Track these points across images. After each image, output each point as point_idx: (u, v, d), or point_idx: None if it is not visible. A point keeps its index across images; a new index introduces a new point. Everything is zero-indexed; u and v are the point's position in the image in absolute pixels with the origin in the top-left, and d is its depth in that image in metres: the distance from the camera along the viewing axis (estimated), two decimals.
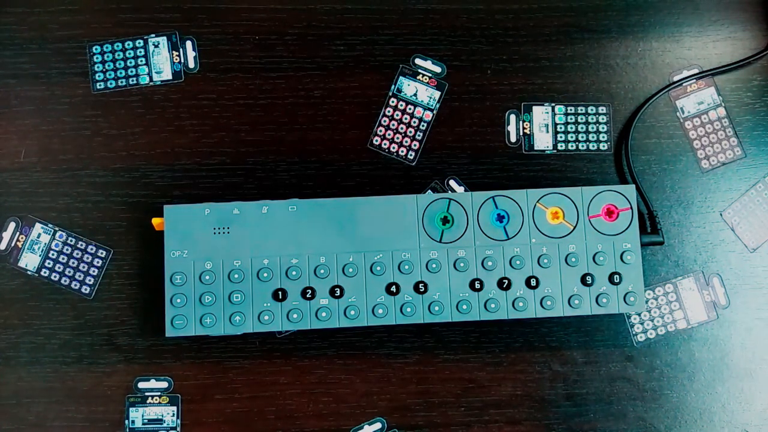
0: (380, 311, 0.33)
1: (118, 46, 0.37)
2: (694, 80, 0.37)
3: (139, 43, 0.37)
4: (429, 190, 0.36)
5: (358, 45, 0.37)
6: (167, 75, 0.37)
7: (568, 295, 0.33)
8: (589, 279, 0.33)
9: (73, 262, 0.35)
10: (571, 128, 0.37)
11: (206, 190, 0.36)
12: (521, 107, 0.37)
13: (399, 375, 0.35)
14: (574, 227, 0.34)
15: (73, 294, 0.35)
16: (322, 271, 0.33)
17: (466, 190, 0.36)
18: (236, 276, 0.33)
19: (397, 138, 0.37)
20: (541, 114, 0.37)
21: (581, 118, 0.37)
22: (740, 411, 0.35)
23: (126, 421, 0.34)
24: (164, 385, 0.34)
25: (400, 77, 0.37)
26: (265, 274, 0.33)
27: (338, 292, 0.33)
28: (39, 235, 0.35)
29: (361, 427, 0.35)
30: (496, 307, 0.33)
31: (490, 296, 0.33)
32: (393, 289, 0.33)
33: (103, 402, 0.34)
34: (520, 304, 0.33)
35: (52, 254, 0.35)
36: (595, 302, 0.33)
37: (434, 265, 0.33)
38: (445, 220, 0.34)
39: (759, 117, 0.37)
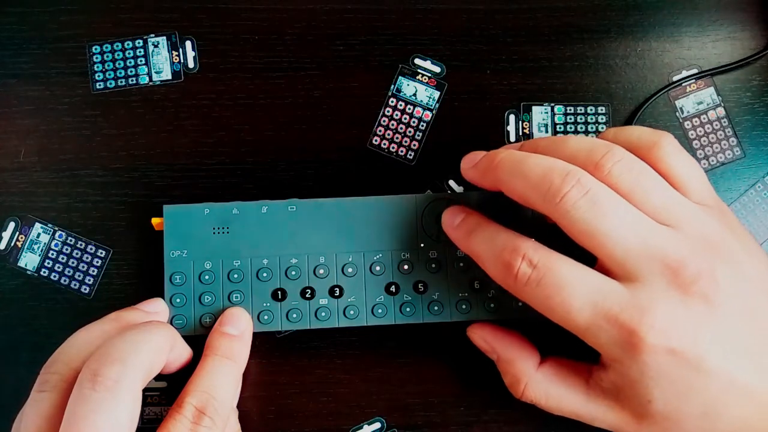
0: (380, 311, 0.33)
1: (117, 46, 0.37)
2: (694, 80, 0.37)
3: (139, 43, 0.37)
4: (429, 190, 0.36)
5: (357, 45, 0.37)
6: (167, 75, 0.37)
7: None
8: None
9: (73, 262, 0.35)
10: (571, 128, 0.37)
11: (206, 190, 0.36)
12: (520, 107, 0.37)
13: (399, 375, 0.35)
14: None
15: (72, 294, 0.35)
16: (321, 271, 0.33)
17: (465, 190, 0.36)
18: (236, 276, 0.33)
19: (397, 138, 0.37)
20: (540, 114, 0.37)
21: (580, 118, 0.37)
22: None
23: None
24: (163, 385, 0.34)
25: (400, 77, 0.37)
26: (265, 274, 0.33)
27: (337, 291, 0.33)
28: (38, 235, 0.36)
29: (361, 427, 0.35)
30: (495, 307, 0.33)
31: (490, 296, 0.33)
32: (392, 288, 0.33)
33: None
34: (520, 304, 0.33)
35: (52, 254, 0.35)
36: None
37: (434, 265, 0.33)
38: None
39: (758, 117, 0.37)
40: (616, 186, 0.27)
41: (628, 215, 0.27)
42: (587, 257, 0.28)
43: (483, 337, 0.32)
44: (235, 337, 0.32)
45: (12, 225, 0.36)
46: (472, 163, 0.31)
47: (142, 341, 0.28)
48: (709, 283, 0.26)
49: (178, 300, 0.33)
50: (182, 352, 0.32)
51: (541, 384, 0.30)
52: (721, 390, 0.26)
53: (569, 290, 0.26)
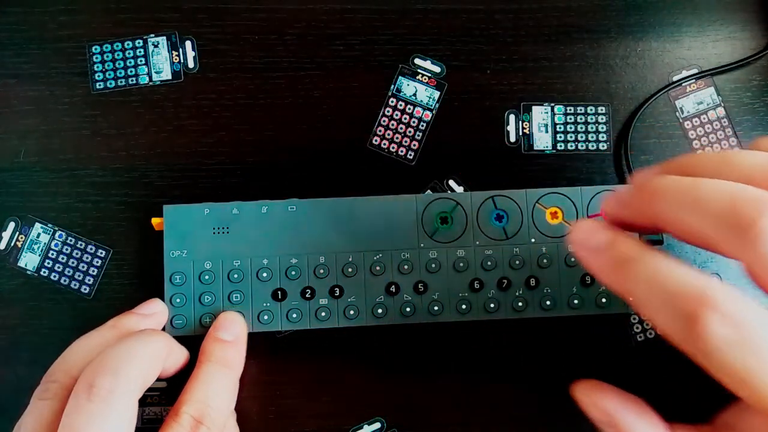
0: (380, 311, 0.33)
1: (117, 46, 0.37)
2: (694, 80, 0.37)
3: (139, 43, 0.37)
4: (429, 190, 0.36)
5: (357, 45, 0.37)
6: (167, 75, 0.37)
7: (568, 295, 0.33)
8: (588, 279, 0.33)
9: (73, 262, 0.35)
10: (571, 128, 0.37)
11: (206, 190, 0.36)
12: (520, 107, 0.37)
13: (398, 375, 0.35)
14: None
15: (72, 294, 0.35)
16: (321, 271, 0.33)
17: (465, 190, 0.36)
18: (236, 276, 0.33)
19: (397, 138, 0.37)
20: (540, 114, 0.37)
21: (580, 118, 0.37)
22: None
23: None
24: (163, 385, 0.34)
25: (400, 77, 0.37)
26: (265, 274, 0.33)
27: (338, 291, 0.33)
28: (38, 235, 0.36)
29: (361, 427, 0.35)
30: (495, 307, 0.33)
31: (490, 296, 0.33)
32: (392, 289, 0.33)
33: None
34: (520, 304, 0.33)
35: (52, 254, 0.35)
36: (595, 302, 0.33)
37: (434, 265, 0.33)
38: (444, 220, 0.34)
39: (758, 117, 0.37)
40: None
41: None
42: None
43: (600, 406, 0.26)
44: (229, 342, 0.32)
45: (12, 225, 0.36)
46: (618, 202, 0.24)
47: (136, 350, 0.28)
48: None
49: (178, 300, 0.33)
50: (179, 357, 0.32)
51: None
52: None
53: None
